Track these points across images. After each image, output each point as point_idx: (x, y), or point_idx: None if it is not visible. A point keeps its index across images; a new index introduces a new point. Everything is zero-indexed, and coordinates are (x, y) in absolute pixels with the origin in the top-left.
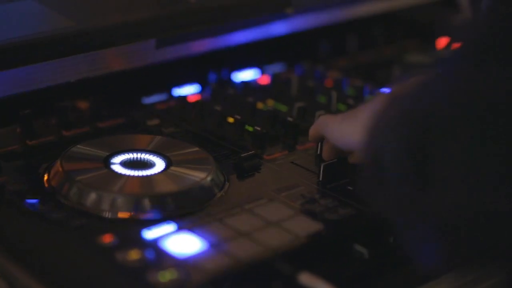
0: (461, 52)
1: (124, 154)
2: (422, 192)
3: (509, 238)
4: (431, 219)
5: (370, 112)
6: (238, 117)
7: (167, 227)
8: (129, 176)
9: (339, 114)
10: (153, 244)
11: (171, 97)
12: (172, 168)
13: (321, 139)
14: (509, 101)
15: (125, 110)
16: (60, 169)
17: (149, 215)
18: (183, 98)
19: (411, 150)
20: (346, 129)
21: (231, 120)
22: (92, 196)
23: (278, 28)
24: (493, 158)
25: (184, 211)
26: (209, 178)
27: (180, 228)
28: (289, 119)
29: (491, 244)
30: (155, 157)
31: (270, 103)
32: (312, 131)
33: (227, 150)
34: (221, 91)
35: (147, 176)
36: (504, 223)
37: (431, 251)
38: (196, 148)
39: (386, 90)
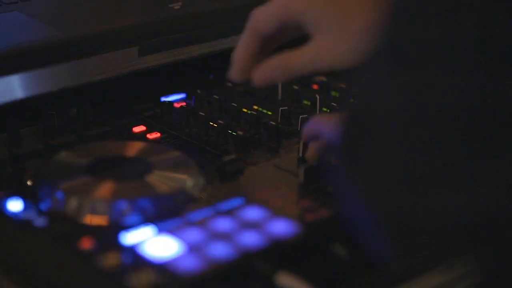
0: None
1: (106, 160)
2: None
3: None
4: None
5: None
6: (221, 122)
7: (147, 231)
8: (111, 182)
9: (336, 114)
10: (133, 249)
11: (157, 103)
12: (154, 172)
13: (314, 138)
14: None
15: (111, 118)
16: (43, 176)
17: (130, 220)
18: (169, 104)
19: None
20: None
21: (214, 125)
22: (74, 202)
23: None
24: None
25: (165, 215)
26: (189, 182)
27: (160, 232)
28: (272, 123)
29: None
30: (137, 162)
31: (256, 108)
32: (308, 129)
33: (211, 155)
34: (206, 96)
35: (129, 181)
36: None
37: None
38: (178, 153)
39: None
